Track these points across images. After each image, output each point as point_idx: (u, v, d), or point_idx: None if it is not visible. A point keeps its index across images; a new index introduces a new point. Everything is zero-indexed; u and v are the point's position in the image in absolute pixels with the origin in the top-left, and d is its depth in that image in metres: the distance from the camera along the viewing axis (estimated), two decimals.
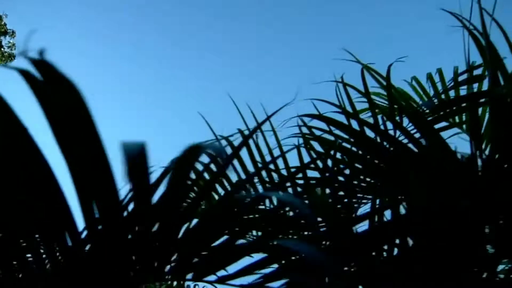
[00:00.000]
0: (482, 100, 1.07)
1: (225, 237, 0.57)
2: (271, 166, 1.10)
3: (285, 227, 0.65)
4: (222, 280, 0.56)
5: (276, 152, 1.16)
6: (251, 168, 1.11)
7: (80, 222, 0.54)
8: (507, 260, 0.82)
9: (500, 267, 0.86)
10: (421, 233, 0.79)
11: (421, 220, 0.79)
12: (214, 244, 0.57)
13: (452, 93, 1.49)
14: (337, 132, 1.04)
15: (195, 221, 0.57)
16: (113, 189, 0.45)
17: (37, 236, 0.60)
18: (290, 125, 1.21)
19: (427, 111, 1.09)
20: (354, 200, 1.09)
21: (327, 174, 1.02)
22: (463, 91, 1.47)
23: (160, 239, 0.53)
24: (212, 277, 0.57)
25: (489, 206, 0.77)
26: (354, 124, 1.06)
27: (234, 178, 1.17)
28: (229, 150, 1.01)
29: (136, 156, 0.36)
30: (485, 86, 1.36)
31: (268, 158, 1.14)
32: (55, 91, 0.37)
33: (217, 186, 1.18)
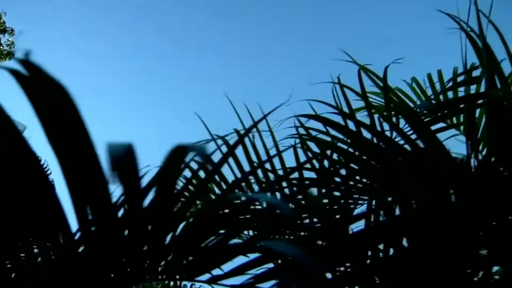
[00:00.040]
0: (480, 102, 1.07)
1: (218, 237, 0.57)
2: (268, 166, 1.10)
3: (279, 227, 0.65)
4: (213, 280, 0.56)
5: (273, 152, 1.16)
6: (247, 168, 1.11)
7: (73, 224, 0.54)
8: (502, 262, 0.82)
9: (495, 268, 0.86)
10: (417, 234, 0.79)
11: (416, 221, 0.79)
12: (206, 244, 0.57)
13: (451, 95, 1.49)
14: (334, 133, 1.04)
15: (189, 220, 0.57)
16: (106, 191, 0.44)
17: (31, 237, 0.60)
18: (288, 126, 1.21)
19: (424, 112, 1.09)
20: (350, 200, 1.09)
21: (323, 175, 1.02)
22: (461, 93, 1.47)
23: (152, 240, 0.52)
24: (204, 277, 0.57)
25: (484, 207, 0.77)
26: (351, 125, 1.06)
27: (230, 177, 1.17)
28: (224, 149, 1.01)
29: (122, 157, 0.36)
30: (483, 88, 1.36)
31: (265, 158, 1.14)
32: (42, 91, 0.37)
33: (213, 185, 1.18)
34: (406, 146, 0.87)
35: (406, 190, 0.85)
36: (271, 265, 0.62)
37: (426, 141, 0.83)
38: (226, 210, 0.56)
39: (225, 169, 1.25)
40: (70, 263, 0.59)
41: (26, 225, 0.57)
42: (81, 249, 0.57)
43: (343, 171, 1.09)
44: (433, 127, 1.24)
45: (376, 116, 1.04)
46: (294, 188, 1.03)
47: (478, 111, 1.28)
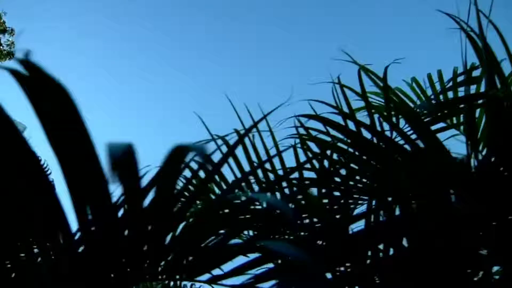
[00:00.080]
0: (480, 102, 1.07)
1: (218, 237, 0.57)
2: (268, 166, 1.10)
3: (279, 227, 0.65)
4: (213, 280, 0.56)
5: (273, 152, 1.16)
6: (247, 168, 1.11)
7: (73, 224, 0.54)
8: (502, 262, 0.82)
9: (495, 268, 0.86)
10: (417, 234, 0.79)
11: (416, 221, 0.79)
12: (206, 244, 0.57)
13: (451, 95, 1.49)
14: (334, 132, 1.04)
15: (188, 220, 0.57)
16: (106, 191, 0.44)
17: (31, 237, 0.60)
18: (288, 126, 1.21)
19: (424, 112, 1.09)
20: (350, 201, 1.09)
21: (323, 175, 1.02)
22: (461, 93, 1.47)
23: (152, 240, 0.52)
24: (204, 277, 0.57)
25: (484, 207, 0.77)
26: (351, 125, 1.06)
27: (230, 177, 1.17)
28: (224, 150, 1.01)
29: (122, 157, 0.36)
30: (483, 88, 1.35)
31: (265, 158, 1.14)
32: (42, 91, 0.37)
33: (213, 185, 1.18)
34: (406, 146, 0.87)
35: (406, 190, 0.85)
36: (271, 265, 0.62)
37: (426, 141, 0.83)
38: (226, 210, 0.56)
39: (225, 169, 1.26)
40: (70, 263, 0.59)
41: (26, 225, 0.57)
42: (81, 249, 0.57)
43: (343, 171, 1.09)
44: (433, 127, 1.24)
45: (376, 116, 1.04)
46: (294, 188, 1.03)
47: (478, 111, 1.28)
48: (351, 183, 1.06)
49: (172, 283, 1.46)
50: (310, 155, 1.11)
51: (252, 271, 0.56)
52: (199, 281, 0.57)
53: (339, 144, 1.04)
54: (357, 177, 1.07)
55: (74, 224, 0.54)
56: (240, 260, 0.57)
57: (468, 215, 0.77)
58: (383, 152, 0.90)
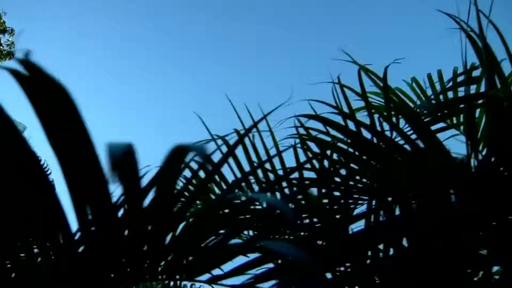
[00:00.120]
0: (480, 102, 1.07)
1: (218, 237, 0.57)
2: (268, 166, 1.10)
3: (279, 227, 0.65)
4: (213, 280, 0.56)
5: (273, 152, 1.16)
6: (247, 168, 1.11)
7: (73, 224, 0.54)
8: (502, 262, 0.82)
9: (495, 268, 0.86)
10: (417, 234, 0.79)
11: (416, 221, 0.79)
12: (206, 244, 0.57)
13: (451, 95, 1.49)
14: (334, 132, 1.04)
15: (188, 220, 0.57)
16: (106, 191, 0.45)
17: (31, 237, 0.60)
18: (288, 126, 1.21)
19: (424, 112, 1.09)
20: (350, 201, 1.09)
21: (323, 175, 1.02)
22: (461, 93, 1.47)
23: (152, 240, 0.52)
24: (204, 277, 0.57)
25: (484, 207, 0.77)
26: (351, 125, 1.06)
27: (231, 177, 1.17)
28: (225, 150, 1.01)
29: (122, 157, 0.36)
30: (483, 88, 1.35)
31: (265, 158, 1.14)
32: (42, 91, 0.37)
33: (213, 185, 1.18)
34: (406, 146, 0.87)
35: (406, 190, 0.85)
36: (271, 265, 0.62)
37: (426, 141, 0.83)
38: (226, 210, 0.56)
39: (225, 170, 1.25)
40: (70, 263, 0.59)
41: (26, 225, 0.57)
42: (81, 249, 0.57)
43: (343, 171, 1.09)
44: (433, 127, 1.24)
45: (376, 116, 1.04)
46: (294, 188, 1.03)
47: (478, 111, 1.28)
48: (351, 183, 1.06)
49: (172, 283, 1.46)
50: (310, 155, 1.11)
51: (253, 271, 0.56)
52: (199, 281, 0.57)
53: (339, 144, 1.04)
54: (357, 177, 1.07)
55: (74, 224, 0.54)
56: (240, 260, 0.57)
57: (468, 215, 0.77)
58: (383, 152, 0.90)
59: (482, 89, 1.34)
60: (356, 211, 1.13)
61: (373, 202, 0.98)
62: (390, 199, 0.91)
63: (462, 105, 1.05)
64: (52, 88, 0.36)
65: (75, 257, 0.58)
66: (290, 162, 1.16)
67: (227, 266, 0.58)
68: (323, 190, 1.05)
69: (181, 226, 0.60)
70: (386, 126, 1.04)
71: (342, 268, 0.80)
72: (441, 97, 1.55)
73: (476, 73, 1.25)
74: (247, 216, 0.58)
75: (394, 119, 1.02)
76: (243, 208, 0.55)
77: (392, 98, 1.22)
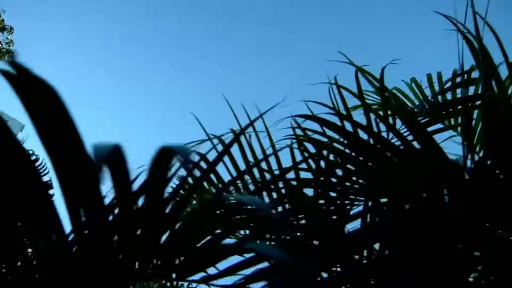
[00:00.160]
0: (476, 103, 1.07)
1: (212, 237, 0.57)
2: (264, 166, 1.10)
3: (269, 229, 0.65)
4: (205, 280, 0.56)
5: (269, 152, 1.16)
6: (243, 168, 1.11)
7: (67, 226, 0.54)
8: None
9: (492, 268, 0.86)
10: (411, 235, 0.79)
11: (411, 222, 0.79)
12: (198, 244, 0.57)
13: (450, 97, 1.49)
14: (330, 133, 1.04)
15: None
16: (98, 193, 0.44)
17: (25, 238, 0.60)
18: (285, 126, 1.21)
19: (422, 113, 1.09)
20: (346, 201, 1.09)
21: (319, 175, 1.02)
22: (459, 95, 1.47)
23: (144, 241, 0.52)
24: (196, 276, 0.57)
25: (479, 209, 0.77)
26: (348, 125, 1.06)
27: (227, 177, 1.17)
28: (220, 148, 1.01)
29: (108, 158, 0.35)
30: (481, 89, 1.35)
31: (261, 158, 1.14)
32: (31, 92, 0.37)
33: (208, 185, 1.18)
34: (402, 147, 0.86)
35: (402, 191, 0.85)
36: (266, 264, 0.62)
37: (422, 142, 0.83)
38: (220, 210, 0.56)
39: (221, 169, 1.25)
40: (65, 264, 0.58)
41: (21, 227, 0.57)
42: (75, 250, 0.57)
43: (339, 172, 1.09)
44: (431, 129, 1.24)
45: (372, 117, 1.04)
46: (290, 188, 1.03)
47: (475, 113, 1.28)
48: (348, 183, 1.06)
49: (168, 283, 1.46)
50: (307, 156, 1.11)
51: (247, 271, 0.56)
52: (192, 281, 0.57)
53: (335, 144, 1.04)
54: (354, 178, 1.07)
55: (67, 225, 0.54)
56: (234, 259, 0.57)
57: (463, 215, 0.77)
58: (380, 153, 0.90)
59: (480, 90, 1.34)
60: (352, 212, 1.13)
61: (369, 203, 0.98)
62: (386, 200, 0.91)
63: (459, 107, 1.05)
64: (40, 89, 0.35)
65: (71, 258, 0.57)
66: (287, 162, 1.16)
67: (221, 266, 0.58)
68: (319, 191, 1.05)
69: (177, 226, 0.60)
70: (382, 127, 1.04)
71: (338, 269, 0.80)
72: (439, 98, 1.55)
73: (475, 74, 1.25)
74: (241, 216, 0.58)
75: (390, 120, 1.02)
76: (236, 209, 0.55)
77: (389, 99, 1.22)
